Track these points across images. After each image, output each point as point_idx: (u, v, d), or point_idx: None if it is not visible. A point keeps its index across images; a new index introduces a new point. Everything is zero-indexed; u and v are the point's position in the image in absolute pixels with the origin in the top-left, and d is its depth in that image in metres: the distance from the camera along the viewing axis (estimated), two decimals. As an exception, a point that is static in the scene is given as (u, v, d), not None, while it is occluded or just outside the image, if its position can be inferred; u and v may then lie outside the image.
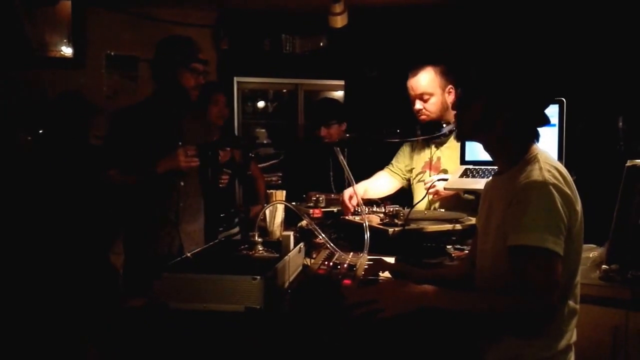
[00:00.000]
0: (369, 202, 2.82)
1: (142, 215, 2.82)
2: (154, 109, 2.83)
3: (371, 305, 1.52)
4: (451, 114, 2.76)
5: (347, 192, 2.77)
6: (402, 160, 3.12)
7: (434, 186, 2.70)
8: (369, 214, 2.55)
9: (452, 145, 2.84)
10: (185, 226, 2.85)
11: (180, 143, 2.73)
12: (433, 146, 2.98)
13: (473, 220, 2.33)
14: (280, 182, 4.64)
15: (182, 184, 2.82)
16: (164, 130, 2.79)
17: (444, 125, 2.68)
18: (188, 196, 2.87)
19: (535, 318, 1.46)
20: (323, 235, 2.10)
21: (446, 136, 2.86)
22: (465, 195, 2.73)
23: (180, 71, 2.74)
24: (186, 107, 2.87)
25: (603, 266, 2.39)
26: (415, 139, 2.92)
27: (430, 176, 2.88)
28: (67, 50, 4.46)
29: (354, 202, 2.72)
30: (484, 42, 4.11)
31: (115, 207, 2.99)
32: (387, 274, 1.96)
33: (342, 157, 2.27)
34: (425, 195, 2.75)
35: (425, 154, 3.01)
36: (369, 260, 2.06)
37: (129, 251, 2.88)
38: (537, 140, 1.66)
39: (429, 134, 2.76)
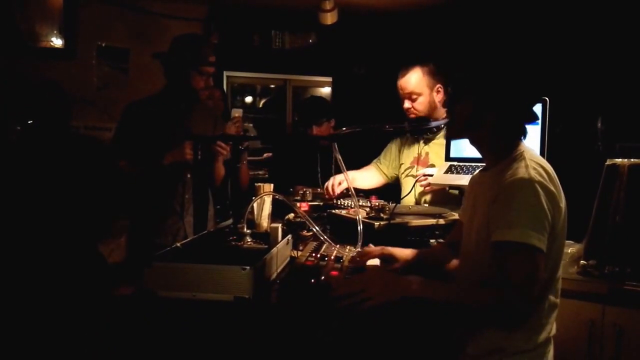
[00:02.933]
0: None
1: (148, 205, 2.89)
2: (164, 103, 2.89)
3: (358, 295, 1.55)
4: (439, 112, 2.85)
5: (338, 177, 2.87)
6: (389, 157, 3.19)
7: (426, 178, 2.77)
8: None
9: (441, 141, 2.91)
10: (191, 218, 2.92)
11: (187, 137, 2.78)
12: (422, 142, 3.04)
13: (456, 215, 2.38)
14: (266, 175, 4.67)
15: (188, 176, 2.88)
16: (172, 124, 2.85)
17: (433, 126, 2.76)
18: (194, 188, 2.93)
19: (516, 311, 1.49)
20: (317, 228, 2.12)
21: (434, 132, 2.94)
22: (450, 190, 2.80)
23: (191, 73, 2.80)
24: (195, 104, 2.94)
25: (581, 261, 2.44)
26: (415, 131, 3.01)
27: (418, 171, 2.94)
28: (57, 41, 4.44)
29: (340, 188, 2.83)
30: (471, 42, 4.16)
31: (123, 197, 3.04)
32: (375, 261, 2.00)
33: (339, 156, 2.28)
34: (412, 188, 2.81)
35: (414, 150, 3.06)
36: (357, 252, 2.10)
37: (134, 240, 2.95)
38: (525, 137, 1.69)
39: (417, 128, 2.84)
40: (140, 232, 2.93)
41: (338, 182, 2.88)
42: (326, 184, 2.96)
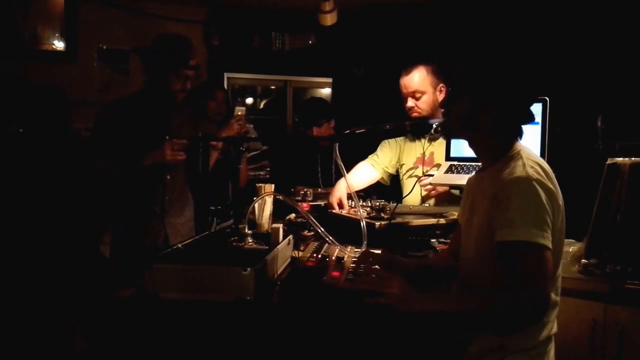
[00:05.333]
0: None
1: (128, 208, 2.82)
2: (142, 103, 2.83)
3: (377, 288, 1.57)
4: (442, 112, 2.82)
5: (336, 194, 2.81)
6: (387, 154, 3.15)
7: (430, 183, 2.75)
8: (355, 207, 2.59)
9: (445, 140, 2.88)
10: (171, 219, 2.86)
11: (167, 137, 2.71)
12: (425, 141, 3.01)
13: (456, 215, 2.38)
14: (268, 176, 4.68)
15: (168, 177, 2.82)
16: (151, 124, 2.78)
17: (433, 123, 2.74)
18: (174, 189, 2.87)
19: (531, 311, 1.47)
20: (321, 229, 2.11)
21: (439, 132, 2.91)
22: (452, 191, 2.79)
23: (168, 74, 2.73)
24: (173, 105, 2.87)
25: (582, 260, 2.43)
26: (415, 130, 2.99)
27: (423, 171, 2.93)
28: (59, 44, 4.47)
29: (344, 202, 2.77)
30: (470, 40, 4.16)
31: (103, 199, 3.00)
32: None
33: (339, 161, 2.26)
34: (413, 188, 2.80)
35: (417, 150, 3.04)
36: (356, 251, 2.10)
37: (115, 243, 2.88)
38: (520, 138, 1.69)
39: (418, 127, 2.82)
40: (120, 235, 2.86)
41: (338, 199, 2.79)
42: (329, 201, 2.85)
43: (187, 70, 2.76)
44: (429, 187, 2.78)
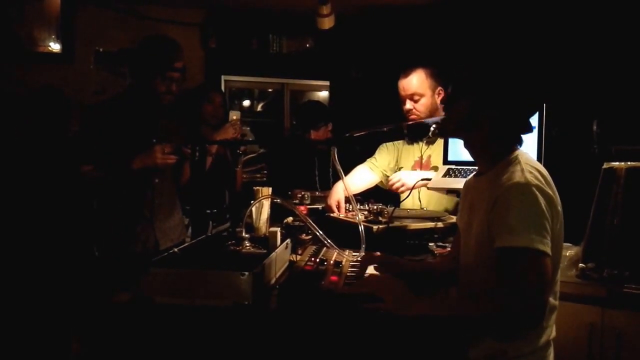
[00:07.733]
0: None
1: (116, 212, 2.76)
2: (128, 105, 2.77)
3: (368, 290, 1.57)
4: (439, 115, 2.82)
5: (334, 197, 2.81)
6: (385, 157, 3.15)
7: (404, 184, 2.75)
8: (353, 210, 2.59)
9: (442, 143, 2.88)
10: (160, 223, 2.82)
11: (154, 140, 2.69)
12: (423, 144, 3.02)
13: (454, 219, 2.38)
14: (265, 179, 4.67)
15: (156, 181, 2.79)
16: (137, 127, 2.74)
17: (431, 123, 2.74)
18: (163, 193, 2.84)
19: (529, 317, 1.46)
20: (320, 232, 2.11)
21: (436, 134, 2.91)
22: (448, 194, 2.79)
23: (153, 76, 2.68)
24: (159, 107, 2.82)
25: (580, 264, 2.44)
26: (413, 133, 2.98)
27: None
28: (55, 46, 4.47)
29: (342, 205, 2.77)
30: (468, 44, 4.16)
31: (91, 203, 2.94)
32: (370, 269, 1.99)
33: (338, 166, 2.26)
34: (410, 192, 2.79)
35: (415, 153, 3.04)
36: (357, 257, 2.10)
37: (103, 247, 2.81)
38: (520, 145, 1.68)
39: (416, 130, 2.83)
40: (109, 239, 2.78)
41: (336, 202, 2.80)
42: (328, 204, 2.86)
43: (172, 72, 2.71)
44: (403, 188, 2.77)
